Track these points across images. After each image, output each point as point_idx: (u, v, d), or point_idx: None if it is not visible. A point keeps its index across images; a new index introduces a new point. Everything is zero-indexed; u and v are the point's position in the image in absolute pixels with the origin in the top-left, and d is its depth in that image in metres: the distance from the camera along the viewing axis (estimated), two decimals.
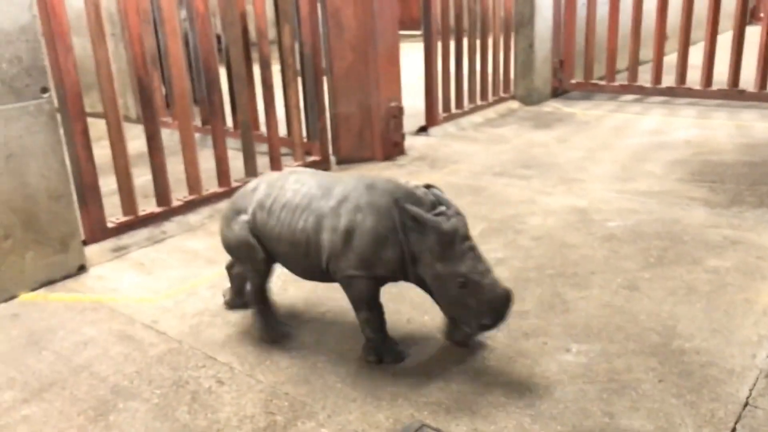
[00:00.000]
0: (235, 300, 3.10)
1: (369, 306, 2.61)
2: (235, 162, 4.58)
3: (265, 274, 2.79)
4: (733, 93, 6.57)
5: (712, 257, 3.40)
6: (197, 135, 4.52)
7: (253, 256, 2.72)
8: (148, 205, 4.14)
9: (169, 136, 5.04)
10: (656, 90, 7.02)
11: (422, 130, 6.21)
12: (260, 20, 4.70)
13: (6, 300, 3.25)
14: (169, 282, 3.42)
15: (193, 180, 4.27)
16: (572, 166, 5.01)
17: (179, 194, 4.27)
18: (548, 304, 3.04)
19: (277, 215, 2.61)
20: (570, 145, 5.64)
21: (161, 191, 4.12)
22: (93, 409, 2.45)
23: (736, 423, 2.24)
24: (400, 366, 2.63)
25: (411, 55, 7.09)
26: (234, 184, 4.48)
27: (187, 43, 5.70)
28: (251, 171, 4.61)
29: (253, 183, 2.81)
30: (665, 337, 2.73)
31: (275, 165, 4.80)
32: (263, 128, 4.97)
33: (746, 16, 6.44)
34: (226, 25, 4.63)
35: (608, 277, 3.25)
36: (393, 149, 5.45)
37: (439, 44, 6.13)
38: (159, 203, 4.13)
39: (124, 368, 2.68)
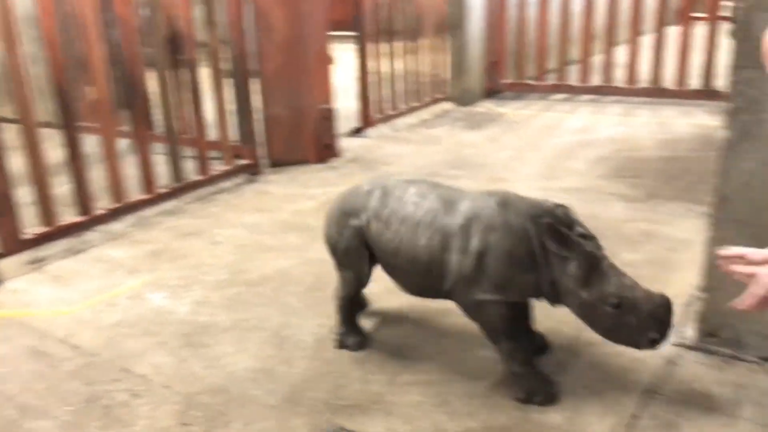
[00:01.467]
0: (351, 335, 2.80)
1: (507, 335, 2.41)
2: (162, 167, 4.49)
3: (362, 285, 2.70)
4: (656, 91, 6.81)
5: (628, 250, 3.50)
6: (127, 140, 4.42)
7: (358, 266, 2.62)
8: (71, 215, 4.02)
9: (96, 142, 4.91)
10: (584, 89, 7.22)
11: (357, 131, 6.23)
12: (187, 23, 4.63)
13: None
14: (87, 293, 3.34)
15: (116, 187, 4.18)
16: (500, 166, 5.10)
17: (103, 203, 4.17)
18: None
19: (396, 228, 2.47)
20: (500, 145, 5.74)
21: (82, 200, 4.01)
22: None
23: (639, 410, 2.32)
24: (319, 371, 2.63)
25: (348, 55, 7.09)
26: (159, 191, 4.41)
27: (114, 47, 5.58)
28: (177, 176, 4.55)
29: (366, 185, 2.67)
30: (575, 329, 2.80)
31: (203, 169, 4.74)
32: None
33: (667, 17, 6.69)
34: (152, 29, 4.54)
35: None
36: (325, 151, 5.45)
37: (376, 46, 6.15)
38: (80, 212, 4.02)
39: (33, 385, 2.60)
